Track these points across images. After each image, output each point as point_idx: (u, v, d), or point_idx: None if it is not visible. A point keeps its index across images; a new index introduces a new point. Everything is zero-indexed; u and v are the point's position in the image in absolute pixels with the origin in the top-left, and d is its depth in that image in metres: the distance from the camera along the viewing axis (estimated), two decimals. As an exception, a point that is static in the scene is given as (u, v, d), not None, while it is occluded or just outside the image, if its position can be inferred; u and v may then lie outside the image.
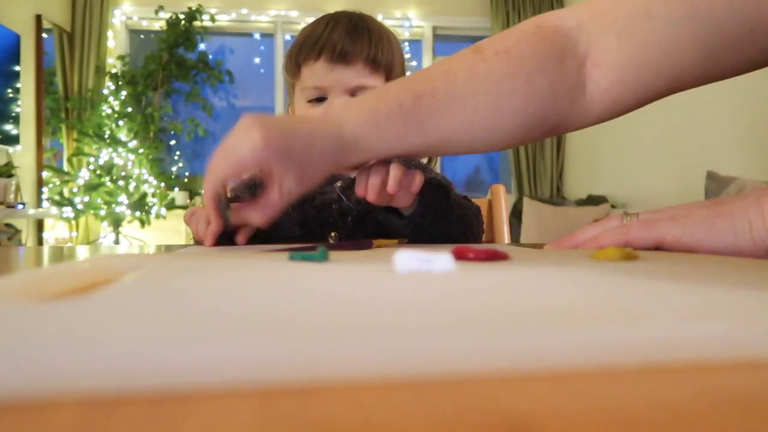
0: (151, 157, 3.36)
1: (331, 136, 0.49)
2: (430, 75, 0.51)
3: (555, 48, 0.50)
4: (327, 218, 0.78)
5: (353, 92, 0.76)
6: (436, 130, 0.50)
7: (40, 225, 3.21)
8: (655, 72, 0.48)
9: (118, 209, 3.18)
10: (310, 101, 0.77)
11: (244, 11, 3.60)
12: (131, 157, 3.28)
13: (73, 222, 3.28)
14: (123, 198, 3.19)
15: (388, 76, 0.79)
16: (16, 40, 2.93)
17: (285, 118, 0.55)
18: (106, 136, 3.23)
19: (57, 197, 3.19)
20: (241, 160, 0.47)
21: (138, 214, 3.21)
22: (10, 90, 2.91)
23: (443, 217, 0.67)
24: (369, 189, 0.56)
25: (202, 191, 0.54)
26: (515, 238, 3.01)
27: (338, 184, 0.81)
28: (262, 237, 0.79)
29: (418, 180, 0.58)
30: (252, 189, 0.75)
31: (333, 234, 0.77)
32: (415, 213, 0.65)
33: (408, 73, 0.83)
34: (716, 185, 2.11)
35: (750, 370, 0.13)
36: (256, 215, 0.51)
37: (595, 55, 0.50)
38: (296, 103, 0.80)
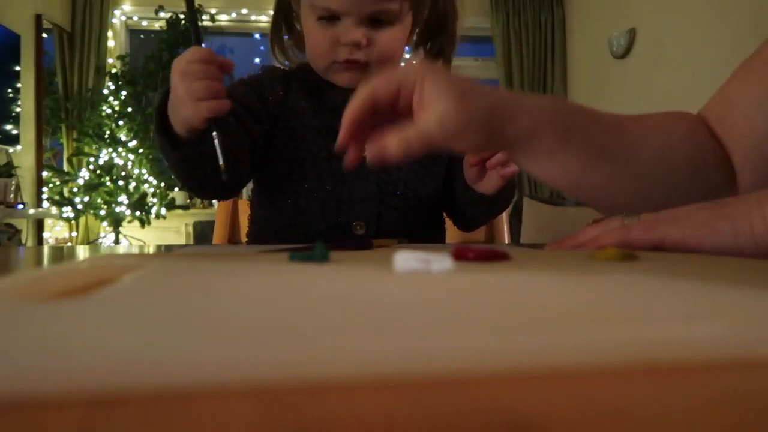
0: (151, 157, 3.35)
1: None
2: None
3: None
4: None
5: (370, 17, 0.69)
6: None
7: (40, 225, 3.21)
8: None
9: (118, 209, 3.18)
10: (320, 19, 0.70)
11: (244, 11, 3.60)
12: (131, 157, 3.28)
13: (73, 222, 3.28)
14: (123, 198, 3.19)
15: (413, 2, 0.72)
16: (16, 40, 2.92)
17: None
18: (106, 136, 3.23)
19: (57, 197, 3.19)
20: None
21: (138, 214, 3.21)
22: (10, 90, 2.91)
23: (497, 210, 0.77)
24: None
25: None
26: (515, 238, 3.00)
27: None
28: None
29: (512, 170, 0.67)
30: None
31: (357, 225, 0.73)
32: (488, 198, 0.72)
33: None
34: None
35: (750, 370, 0.13)
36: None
37: None
38: (305, 17, 0.72)
